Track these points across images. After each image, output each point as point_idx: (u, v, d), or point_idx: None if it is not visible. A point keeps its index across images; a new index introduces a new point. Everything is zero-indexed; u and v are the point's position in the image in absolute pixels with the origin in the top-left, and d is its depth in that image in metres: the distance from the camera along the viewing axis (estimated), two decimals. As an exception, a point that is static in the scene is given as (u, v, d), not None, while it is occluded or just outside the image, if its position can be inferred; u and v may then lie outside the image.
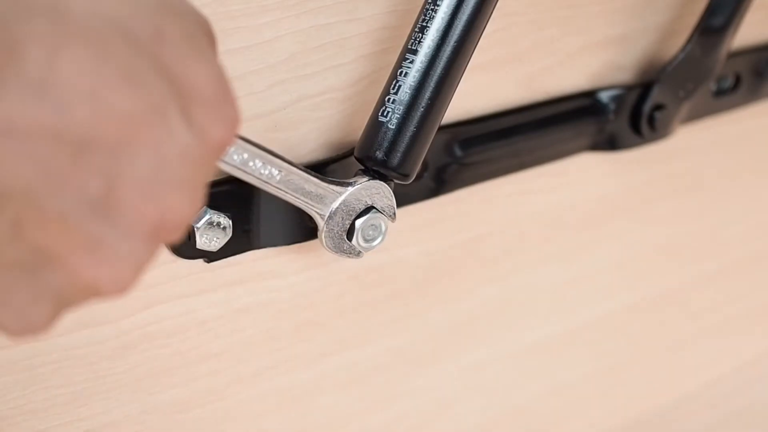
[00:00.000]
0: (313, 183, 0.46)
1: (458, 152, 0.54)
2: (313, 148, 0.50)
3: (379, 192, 0.48)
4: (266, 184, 0.44)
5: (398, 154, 0.47)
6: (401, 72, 0.47)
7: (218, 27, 0.45)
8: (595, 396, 0.70)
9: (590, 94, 0.59)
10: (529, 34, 0.55)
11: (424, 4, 0.47)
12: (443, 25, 0.46)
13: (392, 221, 0.49)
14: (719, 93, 0.65)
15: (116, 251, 0.30)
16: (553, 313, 0.65)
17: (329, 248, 0.48)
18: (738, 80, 0.65)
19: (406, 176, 0.48)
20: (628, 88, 0.59)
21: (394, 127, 0.47)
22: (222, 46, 0.45)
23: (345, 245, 0.49)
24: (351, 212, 0.48)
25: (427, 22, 0.46)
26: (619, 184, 0.64)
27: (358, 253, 0.49)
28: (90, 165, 0.29)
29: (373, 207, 0.48)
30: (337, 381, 0.56)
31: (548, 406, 0.68)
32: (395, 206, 0.49)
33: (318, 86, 0.49)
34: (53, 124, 0.28)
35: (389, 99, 0.47)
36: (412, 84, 0.47)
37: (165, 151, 0.30)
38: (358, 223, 0.48)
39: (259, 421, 0.54)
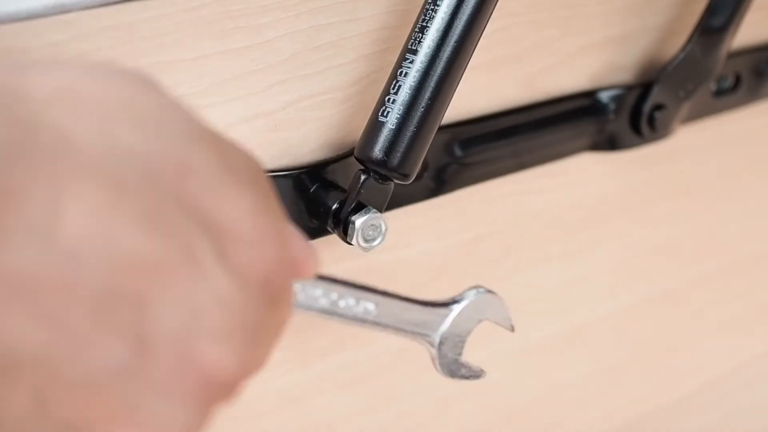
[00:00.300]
0: (415, 311, 0.41)
1: (458, 152, 0.54)
2: (313, 148, 0.50)
3: (491, 304, 0.44)
4: (362, 323, 0.40)
5: (398, 154, 0.47)
6: (401, 72, 0.47)
7: (218, 27, 0.45)
8: (595, 396, 0.70)
9: (590, 94, 0.59)
10: (529, 34, 0.55)
11: (424, 4, 0.47)
12: (443, 25, 0.46)
13: (511, 331, 0.45)
14: (719, 93, 0.65)
15: (156, 417, 0.27)
16: (553, 313, 0.65)
17: (445, 375, 0.44)
18: (738, 80, 0.65)
19: (406, 176, 0.48)
20: (628, 88, 0.59)
21: (394, 127, 0.47)
22: (222, 46, 0.45)
23: (463, 370, 0.44)
24: (463, 334, 0.43)
25: (427, 22, 0.46)
26: (619, 184, 0.64)
27: (478, 375, 0.45)
28: (113, 322, 0.25)
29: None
30: (337, 381, 0.56)
31: (548, 406, 0.68)
32: (511, 317, 0.45)
33: (318, 86, 0.49)
34: (64, 278, 0.25)
35: (389, 99, 0.47)
36: (412, 84, 0.47)
37: (199, 298, 0.27)
38: (358, 223, 0.48)
39: (259, 421, 0.54)
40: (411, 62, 0.47)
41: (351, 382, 0.57)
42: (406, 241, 0.56)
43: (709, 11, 0.59)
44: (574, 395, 0.69)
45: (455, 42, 0.46)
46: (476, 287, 0.44)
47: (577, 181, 0.62)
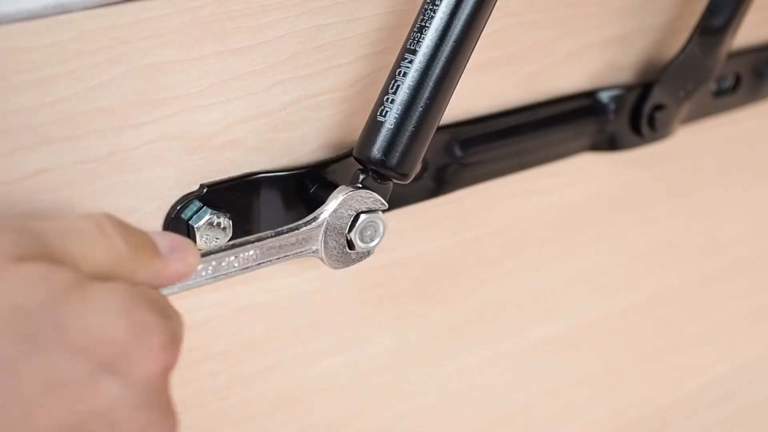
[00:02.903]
0: (287, 236, 0.46)
1: (458, 152, 0.54)
2: (313, 149, 0.50)
3: (356, 198, 0.48)
4: (251, 268, 0.44)
5: (397, 154, 0.47)
6: (400, 72, 0.47)
7: (218, 27, 0.45)
8: (595, 396, 0.70)
9: (590, 94, 0.59)
10: (529, 34, 0.55)
11: (423, 4, 0.47)
12: (442, 25, 0.46)
13: (383, 209, 0.49)
14: (719, 93, 0.65)
15: None
16: (553, 313, 0.65)
17: (340, 268, 0.48)
18: (738, 80, 0.65)
19: (404, 176, 0.48)
20: (628, 88, 0.59)
21: (392, 126, 0.47)
22: (222, 46, 0.45)
23: (352, 256, 0.48)
24: (341, 230, 0.48)
25: (425, 22, 0.46)
26: (619, 184, 0.64)
27: (368, 253, 0.49)
28: None
29: (360, 212, 0.48)
30: (337, 381, 0.56)
31: (548, 406, 0.68)
32: (383, 198, 0.48)
33: (318, 86, 0.49)
34: None
35: (388, 99, 0.47)
36: (411, 84, 0.47)
37: (113, 416, 0.30)
38: (357, 223, 0.48)
39: (259, 421, 0.54)
40: (410, 62, 0.47)
41: (351, 382, 0.57)
42: (406, 241, 0.56)
43: (709, 11, 0.59)
44: (574, 395, 0.69)
45: (454, 42, 0.46)
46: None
47: (577, 181, 0.62)
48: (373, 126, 0.47)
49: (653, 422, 0.75)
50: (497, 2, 0.47)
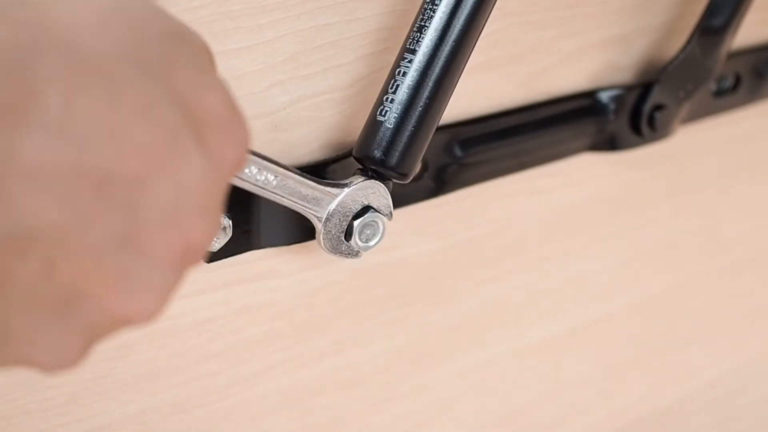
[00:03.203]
0: (309, 186, 0.46)
1: (458, 152, 0.54)
2: (313, 149, 0.50)
3: (375, 191, 0.48)
4: (263, 190, 0.45)
5: (396, 154, 0.47)
6: (399, 71, 0.47)
7: (218, 27, 0.45)
8: (595, 396, 0.70)
9: (590, 94, 0.59)
10: (529, 34, 0.55)
11: (423, 4, 0.47)
12: (442, 24, 0.46)
13: (389, 219, 0.49)
14: (719, 93, 0.65)
15: (145, 282, 0.30)
16: (553, 313, 0.65)
17: (327, 250, 0.48)
18: (738, 80, 0.65)
19: (404, 175, 0.48)
20: (628, 88, 0.59)
21: (392, 126, 0.47)
22: (222, 46, 0.45)
23: (343, 246, 0.49)
24: (348, 213, 0.48)
25: (425, 22, 0.46)
26: (619, 184, 0.64)
27: (356, 254, 0.49)
28: (113, 200, 0.29)
29: (370, 207, 0.48)
30: (337, 381, 0.57)
31: (548, 406, 0.68)
32: (392, 205, 0.49)
33: (318, 86, 0.49)
34: (75, 163, 0.28)
35: (387, 98, 0.47)
36: (411, 84, 0.47)
37: (184, 179, 0.30)
38: (356, 223, 0.48)
39: (259, 421, 0.54)
40: (409, 62, 0.47)
41: (351, 382, 0.57)
42: (405, 241, 0.56)
43: (709, 11, 0.59)
44: (574, 395, 0.69)
45: (454, 41, 0.46)
46: (367, 175, 0.48)
47: (577, 181, 0.62)
48: (373, 126, 0.47)
49: (653, 422, 0.75)
50: (497, 2, 0.47)
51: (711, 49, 0.60)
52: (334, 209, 0.47)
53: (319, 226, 0.48)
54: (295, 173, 0.46)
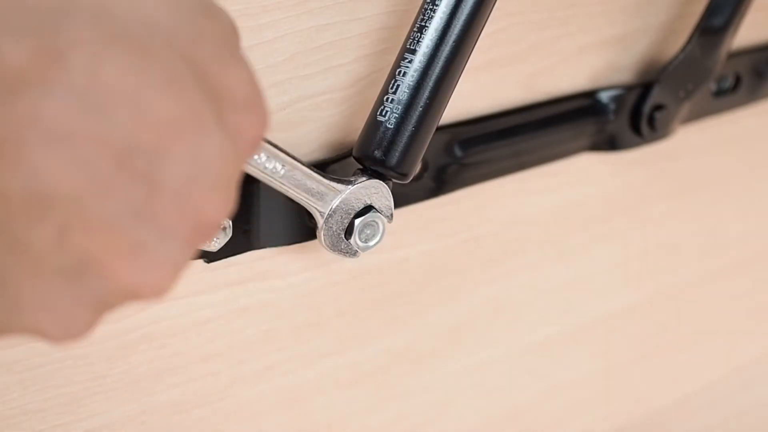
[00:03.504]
0: (315, 180, 0.46)
1: (458, 152, 0.54)
2: (313, 149, 0.50)
3: (378, 191, 0.48)
4: (269, 178, 0.44)
5: (396, 154, 0.47)
6: (399, 72, 0.47)
7: (218, 27, 0.45)
8: (595, 396, 0.70)
9: (590, 94, 0.59)
10: (529, 34, 0.55)
11: (423, 4, 0.47)
12: (442, 24, 0.46)
13: (389, 221, 0.49)
14: (719, 93, 0.65)
15: (157, 256, 0.30)
16: (553, 313, 0.65)
17: (327, 247, 0.48)
18: (738, 80, 0.65)
19: (404, 175, 0.48)
20: (628, 88, 0.59)
21: (392, 126, 0.47)
22: (222, 46, 0.45)
23: (343, 244, 0.49)
24: (350, 211, 0.48)
25: (425, 22, 0.46)
26: (619, 184, 0.64)
27: (355, 253, 0.49)
28: (132, 170, 0.29)
29: (372, 207, 0.48)
30: (337, 381, 0.57)
31: (548, 406, 0.68)
32: (393, 206, 0.49)
33: (318, 86, 0.49)
34: (97, 130, 0.28)
35: (387, 99, 0.47)
36: (411, 84, 0.47)
37: (202, 154, 0.30)
38: (357, 222, 0.48)
39: (259, 421, 0.54)
40: (409, 62, 0.47)
41: (351, 382, 0.57)
42: (406, 241, 0.56)
43: (709, 11, 0.59)
44: (574, 395, 0.69)
45: (454, 41, 0.46)
46: (368, 174, 0.48)
47: (577, 181, 0.62)
48: (373, 125, 0.47)
49: (653, 422, 0.75)
50: (497, 2, 0.47)
51: (711, 49, 0.60)
52: (338, 206, 0.47)
53: (320, 221, 0.48)
54: (304, 165, 0.46)
